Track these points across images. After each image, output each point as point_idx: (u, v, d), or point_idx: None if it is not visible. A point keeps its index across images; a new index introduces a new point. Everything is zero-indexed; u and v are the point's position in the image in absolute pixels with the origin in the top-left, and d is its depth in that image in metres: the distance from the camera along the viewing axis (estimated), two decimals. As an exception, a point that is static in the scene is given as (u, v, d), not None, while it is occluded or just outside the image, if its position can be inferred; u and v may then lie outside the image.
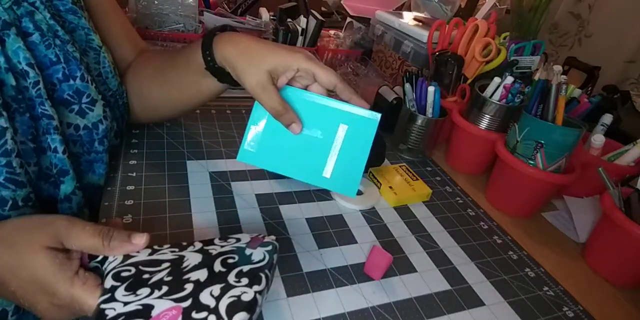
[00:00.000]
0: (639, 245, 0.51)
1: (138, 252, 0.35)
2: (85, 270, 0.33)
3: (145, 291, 0.31)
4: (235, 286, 0.32)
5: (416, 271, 0.49)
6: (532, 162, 0.59)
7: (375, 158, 0.67)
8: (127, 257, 0.34)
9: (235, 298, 0.31)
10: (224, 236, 0.39)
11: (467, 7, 1.15)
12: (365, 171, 0.65)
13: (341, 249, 0.50)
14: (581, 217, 0.63)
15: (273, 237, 0.39)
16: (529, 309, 0.47)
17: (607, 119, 0.66)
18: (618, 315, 0.50)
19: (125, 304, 0.30)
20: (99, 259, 0.34)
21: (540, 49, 0.75)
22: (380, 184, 0.62)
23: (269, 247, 0.37)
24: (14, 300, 0.33)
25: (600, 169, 0.55)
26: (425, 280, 0.48)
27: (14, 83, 0.40)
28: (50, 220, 0.34)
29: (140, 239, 0.34)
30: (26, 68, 0.41)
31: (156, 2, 0.94)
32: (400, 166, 0.67)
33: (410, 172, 0.66)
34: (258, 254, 0.36)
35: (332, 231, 0.53)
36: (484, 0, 1.00)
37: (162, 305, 0.30)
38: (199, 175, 0.58)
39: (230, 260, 0.35)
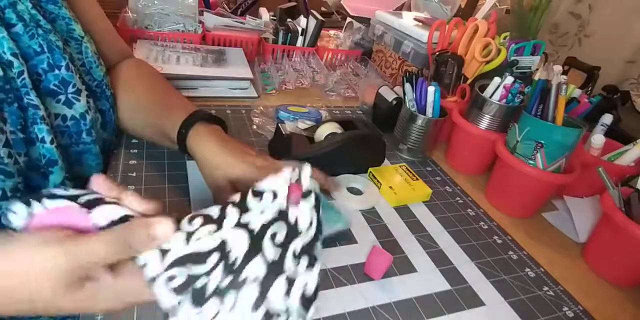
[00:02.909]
0: (639, 245, 0.51)
1: (169, 241, 0.28)
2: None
3: (213, 305, 0.27)
4: (298, 274, 0.29)
5: (416, 271, 0.49)
6: (532, 162, 0.59)
7: (375, 158, 0.67)
8: (162, 252, 0.28)
9: (303, 289, 0.29)
10: (256, 191, 0.31)
11: (467, 7, 1.15)
12: (365, 171, 0.65)
13: (341, 249, 0.50)
14: (581, 217, 0.63)
15: (311, 185, 0.32)
16: (529, 309, 0.47)
17: (607, 119, 0.66)
18: (618, 315, 0.50)
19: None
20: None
21: (540, 49, 0.75)
22: (380, 184, 0.62)
23: (311, 200, 0.32)
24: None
25: (600, 169, 0.55)
26: (425, 280, 0.48)
27: (1, 73, 0.40)
28: (52, 262, 0.27)
29: (164, 229, 0.28)
30: (10, 58, 0.41)
31: (156, 2, 0.94)
32: (400, 166, 0.67)
33: (410, 172, 0.66)
34: (303, 217, 0.31)
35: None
36: (484, 0, 1.00)
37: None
38: (199, 175, 0.58)
39: (278, 238, 0.30)
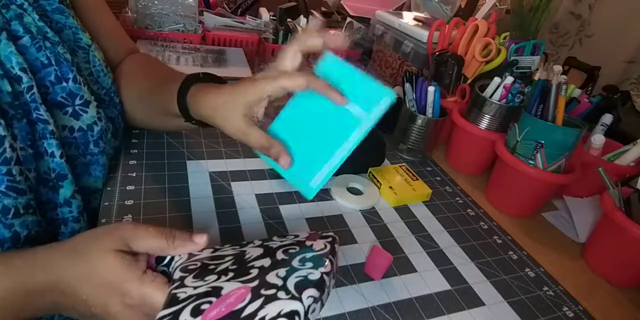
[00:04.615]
0: (639, 245, 0.51)
1: (201, 251, 0.36)
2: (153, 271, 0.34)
3: (212, 277, 0.32)
4: (301, 268, 0.32)
5: (416, 271, 0.49)
6: (532, 162, 0.59)
7: (375, 158, 0.67)
8: (191, 255, 0.35)
9: (302, 277, 0.31)
10: (281, 234, 0.39)
11: (467, 7, 1.15)
12: (365, 171, 0.65)
13: (341, 249, 0.50)
14: (581, 217, 0.63)
15: (331, 233, 0.39)
16: (529, 309, 0.47)
17: (607, 119, 0.66)
18: (618, 315, 0.50)
19: (195, 287, 0.31)
20: (165, 262, 0.35)
21: (540, 49, 0.75)
22: (380, 184, 0.62)
23: (329, 239, 0.37)
24: (85, 310, 0.33)
25: (600, 169, 0.55)
26: (425, 280, 0.48)
27: (9, 89, 0.39)
28: (115, 226, 0.35)
29: (201, 238, 0.35)
30: (19, 73, 0.40)
31: (156, 2, 0.94)
32: (400, 166, 0.67)
33: (410, 172, 0.66)
34: (319, 244, 0.36)
35: (332, 231, 0.53)
36: (484, 0, 0.99)
37: (230, 286, 0.31)
38: (199, 175, 0.58)
39: (291, 251, 0.35)
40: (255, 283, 0.31)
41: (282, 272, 0.32)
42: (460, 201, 0.65)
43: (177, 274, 0.33)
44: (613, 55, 1.03)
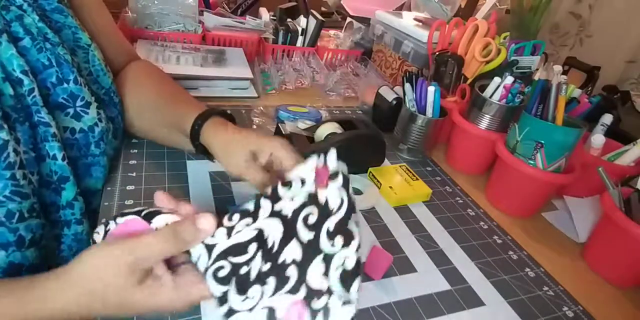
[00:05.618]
0: (639, 245, 0.51)
1: (213, 236, 0.32)
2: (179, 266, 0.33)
3: (255, 290, 0.30)
4: (334, 252, 0.31)
5: (416, 271, 0.49)
6: (532, 162, 0.59)
7: (375, 158, 0.67)
8: (209, 247, 0.32)
9: (341, 269, 0.30)
10: (285, 182, 0.34)
11: (467, 7, 1.15)
12: (365, 171, 0.65)
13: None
14: (581, 217, 0.63)
15: (334, 159, 0.33)
16: (529, 309, 0.47)
17: (607, 119, 0.66)
18: (618, 315, 0.50)
19: (250, 309, 0.30)
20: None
21: (540, 49, 0.75)
22: (380, 184, 0.62)
23: (339, 180, 0.33)
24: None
25: (600, 169, 0.55)
26: (425, 280, 0.48)
27: (12, 92, 0.39)
28: (114, 258, 0.31)
29: (207, 223, 0.32)
30: (20, 76, 0.40)
31: (156, 2, 0.94)
32: (400, 166, 0.67)
33: (410, 172, 0.66)
34: (333, 197, 0.32)
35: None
36: (484, 0, 0.99)
37: (282, 304, 0.30)
38: (199, 175, 0.58)
39: (310, 220, 0.32)
40: (303, 293, 0.30)
41: (319, 267, 0.30)
42: (460, 201, 0.65)
43: (215, 288, 0.31)
44: (613, 55, 1.03)
